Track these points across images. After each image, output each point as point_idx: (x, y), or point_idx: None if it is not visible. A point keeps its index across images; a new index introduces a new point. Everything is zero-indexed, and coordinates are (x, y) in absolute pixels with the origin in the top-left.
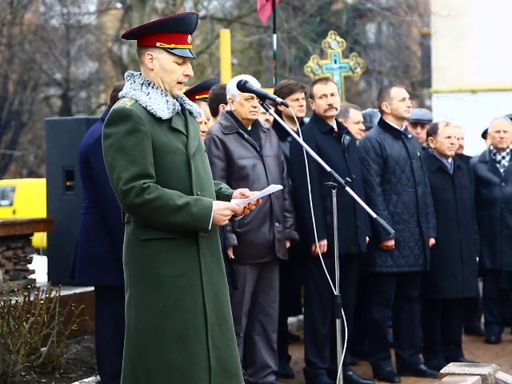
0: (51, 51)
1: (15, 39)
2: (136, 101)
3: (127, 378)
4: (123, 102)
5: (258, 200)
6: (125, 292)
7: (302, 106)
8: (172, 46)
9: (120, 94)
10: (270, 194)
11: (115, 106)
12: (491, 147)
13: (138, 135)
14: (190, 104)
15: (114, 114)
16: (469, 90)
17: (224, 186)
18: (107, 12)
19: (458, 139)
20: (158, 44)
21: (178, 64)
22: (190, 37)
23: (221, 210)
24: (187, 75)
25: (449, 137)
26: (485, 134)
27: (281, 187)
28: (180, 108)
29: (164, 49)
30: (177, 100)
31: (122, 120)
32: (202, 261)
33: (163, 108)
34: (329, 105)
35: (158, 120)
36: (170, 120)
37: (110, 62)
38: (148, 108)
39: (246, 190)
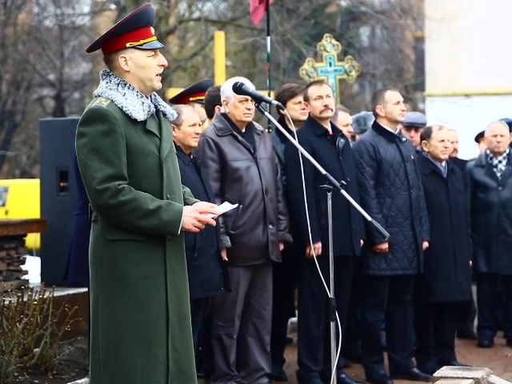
0: (45, 52)
1: (9, 40)
2: (112, 101)
3: (95, 377)
4: (99, 102)
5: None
6: (90, 291)
7: (303, 108)
8: (141, 41)
9: (95, 93)
10: (263, 196)
11: (91, 104)
12: (488, 151)
13: (114, 136)
14: (164, 105)
15: (89, 113)
16: (462, 94)
17: (187, 190)
18: (101, 13)
19: (452, 143)
20: (127, 44)
21: (151, 57)
22: (152, 28)
23: (190, 213)
24: (162, 65)
25: (442, 140)
26: (478, 138)
27: (235, 206)
28: (155, 110)
29: (134, 47)
30: (151, 101)
31: (98, 120)
32: (167, 263)
33: (139, 110)
34: (324, 106)
35: (133, 121)
36: (144, 122)
37: (103, 63)
38: (124, 109)
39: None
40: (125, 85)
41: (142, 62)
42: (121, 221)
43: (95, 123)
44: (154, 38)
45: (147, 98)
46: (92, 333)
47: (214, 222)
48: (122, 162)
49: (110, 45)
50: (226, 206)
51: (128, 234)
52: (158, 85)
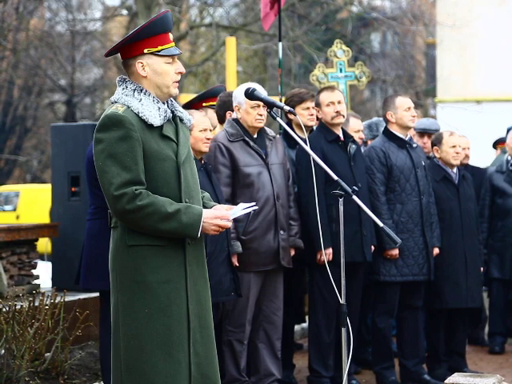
0: (56, 57)
1: (21, 45)
2: (128, 107)
3: (117, 383)
4: (115, 108)
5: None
6: (111, 296)
7: (312, 114)
8: (159, 48)
9: (112, 99)
10: (275, 202)
11: (107, 111)
12: (509, 157)
13: (130, 142)
14: (180, 111)
15: (106, 119)
16: (473, 100)
17: (206, 195)
18: (113, 19)
19: (463, 149)
20: (145, 50)
21: (169, 64)
22: (170, 34)
23: (210, 219)
24: (180, 72)
25: (454, 146)
26: (496, 145)
27: (255, 208)
28: (171, 115)
29: (152, 53)
30: (168, 107)
31: (114, 126)
32: (187, 268)
33: (155, 115)
34: (336, 112)
35: (150, 127)
36: (161, 127)
37: (114, 69)
38: (140, 114)
39: (229, 207)
40: (141, 91)
41: (160, 68)
42: (140, 225)
43: (112, 129)
44: (172, 44)
45: (164, 103)
46: (113, 339)
47: (229, 226)
48: (139, 167)
49: (128, 50)
50: (241, 206)
51: (148, 240)
52: (175, 91)
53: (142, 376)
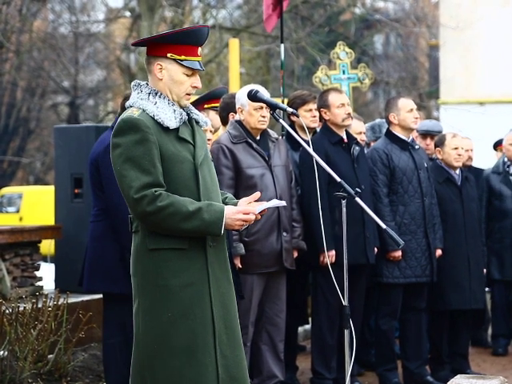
0: (60, 59)
1: (24, 46)
2: (143, 110)
3: None
4: (131, 112)
5: (263, 210)
6: (133, 301)
7: (314, 116)
8: (182, 57)
9: (127, 104)
10: None
11: (123, 115)
12: (505, 159)
13: (147, 145)
14: (196, 113)
15: (121, 123)
16: (477, 102)
17: (229, 195)
18: (116, 20)
19: (466, 151)
20: (168, 55)
21: (187, 75)
22: (199, 49)
23: (232, 215)
24: (195, 87)
25: (456, 148)
26: (496, 146)
27: (284, 203)
28: (187, 117)
29: (174, 60)
30: (183, 109)
31: (131, 130)
32: (210, 270)
33: (170, 117)
34: (348, 114)
35: (166, 129)
36: (177, 129)
37: (118, 71)
38: (155, 117)
39: (251, 198)
40: (156, 94)
41: (177, 76)
42: (162, 226)
43: (128, 133)
44: (199, 58)
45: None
46: (134, 345)
47: (257, 217)
48: (157, 169)
49: (154, 48)
50: (277, 202)
51: (169, 243)
52: (185, 103)
53: (167, 382)
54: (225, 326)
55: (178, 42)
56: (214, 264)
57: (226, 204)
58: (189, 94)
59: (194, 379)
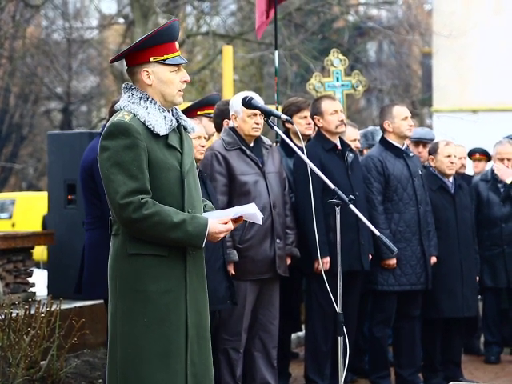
0: (53, 65)
1: (17, 53)
2: (134, 115)
3: None
4: (122, 116)
5: (240, 218)
6: (108, 304)
7: (309, 123)
8: (165, 57)
9: (117, 106)
10: (271, 210)
11: (113, 118)
12: (494, 167)
13: (137, 150)
14: (185, 120)
15: (112, 127)
16: (470, 110)
17: (208, 203)
18: (109, 27)
19: (460, 158)
20: (151, 59)
21: (174, 72)
22: (176, 43)
23: (215, 229)
24: (185, 81)
25: (448, 156)
26: (470, 155)
27: (260, 221)
28: (176, 124)
29: (157, 62)
30: (173, 115)
31: (121, 134)
32: (188, 278)
33: (161, 124)
34: (341, 121)
35: (155, 136)
36: (166, 136)
37: (111, 77)
38: (146, 123)
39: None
40: (147, 99)
41: (165, 76)
42: (146, 234)
43: (118, 137)
44: (178, 53)
45: (169, 112)
46: (109, 346)
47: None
48: (145, 176)
49: (133, 58)
50: (252, 209)
51: (149, 249)
52: (179, 100)
53: None
54: (197, 334)
55: (156, 43)
56: (192, 272)
57: (206, 212)
58: (181, 91)
59: None
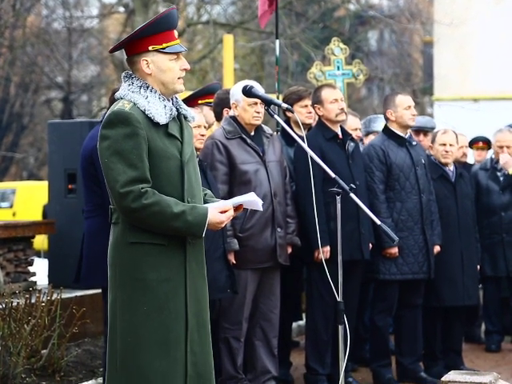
0: (53, 54)
1: (17, 42)
2: (134, 104)
3: (112, 378)
4: (122, 104)
5: (240, 206)
6: (108, 293)
7: (310, 112)
8: (163, 45)
9: (117, 95)
10: (272, 199)
11: (113, 107)
12: (493, 156)
13: (137, 139)
14: (185, 109)
15: (112, 115)
16: (471, 99)
17: (208, 192)
18: (110, 16)
19: (461, 147)
20: (150, 48)
21: (173, 61)
22: (175, 32)
23: (215, 217)
24: (185, 69)
25: (443, 144)
26: (472, 144)
27: (260, 208)
28: (176, 113)
29: (157, 51)
30: (173, 104)
31: (121, 123)
32: (187, 267)
33: (161, 113)
34: (341, 109)
35: (155, 125)
36: (166, 125)
37: (111, 66)
38: (146, 112)
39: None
40: (147, 87)
41: (164, 65)
42: (145, 223)
43: (118, 126)
44: (178, 41)
45: (169, 100)
46: (109, 334)
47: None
48: (145, 164)
49: (132, 47)
50: (252, 197)
51: (149, 237)
52: (180, 88)
53: (137, 373)
54: (197, 323)
55: (155, 31)
56: (192, 261)
57: (206, 201)
58: (180, 78)
59: (163, 373)
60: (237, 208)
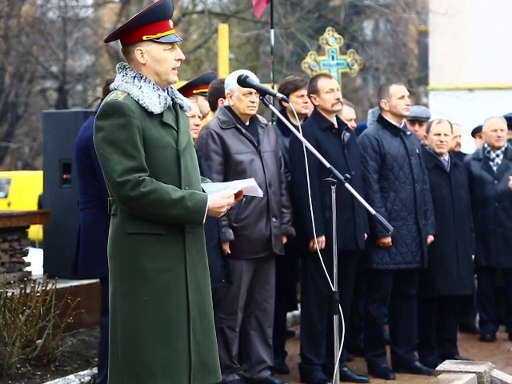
0: (48, 44)
1: (12, 31)
2: (128, 94)
3: (114, 369)
4: (115, 95)
5: (240, 193)
6: (109, 284)
7: (306, 102)
8: (158, 35)
9: (112, 86)
10: (267, 189)
11: (107, 98)
12: (485, 145)
13: (131, 129)
14: (181, 98)
15: (106, 106)
16: (466, 88)
17: (208, 181)
18: (104, 5)
19: (455, 137)
20: (144, 37)
21: (168, 51)
22: (170, 22)
23: (216, 203)
24: (179, 59)
25: (438, 134)
26: (474, 133)
27: (260, 194)
28: (171, 102)
29: (151, 40)
30: (168, 94)
31: (115, 113)
32: (187, 256)
33: (155, 102)
34: (337, 99)
35: (150, 114)
36: (161, 115)
37: (106, 56)
38: (140, 102)
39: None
40: (141, 78)
41: (159, 55)
42: (145, 212)
43: (112, 116)
44: (173, 31)
45: (164, 90)
46: (111, 325)
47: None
48: (141, 154)
49: (127, 37)
50: (250, 182)
51: (148, 228)
52: (174, 78)
53: (139, 363)
54: (199, 312)
55: (150, 21)
56: (192, 250)
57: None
58: (174, 69)
59: (165, 362)
60: (237, 195)
